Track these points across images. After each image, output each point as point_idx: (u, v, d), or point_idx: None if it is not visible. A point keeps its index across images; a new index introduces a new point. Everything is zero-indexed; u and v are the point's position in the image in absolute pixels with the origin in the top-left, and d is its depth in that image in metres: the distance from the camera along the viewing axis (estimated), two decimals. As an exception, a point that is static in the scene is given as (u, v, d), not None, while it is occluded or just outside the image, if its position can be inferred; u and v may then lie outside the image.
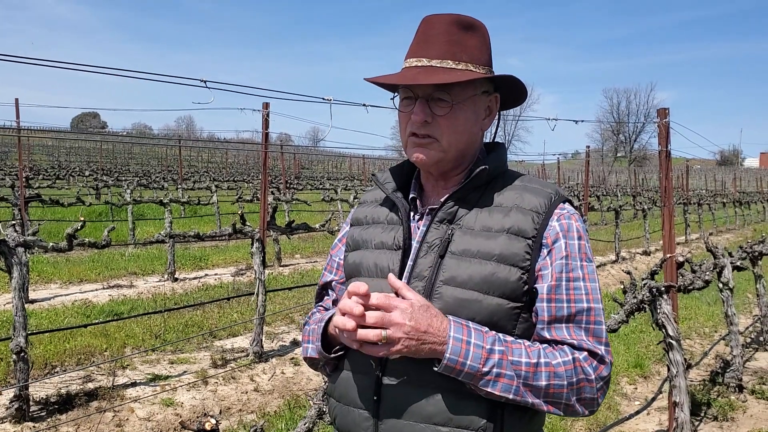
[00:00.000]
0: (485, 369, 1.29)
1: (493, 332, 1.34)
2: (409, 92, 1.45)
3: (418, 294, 1.35)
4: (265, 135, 6.06)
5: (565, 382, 1.32)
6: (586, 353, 1.36)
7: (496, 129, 1.60)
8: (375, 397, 1.40)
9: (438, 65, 1.41)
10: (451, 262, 1.39)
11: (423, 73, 1.40)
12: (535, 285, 1.39)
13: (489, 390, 1.30)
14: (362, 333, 1.29)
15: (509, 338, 1.36)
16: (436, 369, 1.31)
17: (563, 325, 1.37)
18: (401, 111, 1.48)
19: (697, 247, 16.19)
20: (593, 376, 1.34)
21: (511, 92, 1.54)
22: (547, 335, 1.38)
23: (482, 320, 1.35)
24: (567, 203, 1.47)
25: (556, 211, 1.43)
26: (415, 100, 1.44)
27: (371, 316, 1.30)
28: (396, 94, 1.52)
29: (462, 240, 1.41)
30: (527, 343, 1.36)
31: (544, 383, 1.31)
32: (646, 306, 3.95)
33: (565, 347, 1.36)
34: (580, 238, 1.42)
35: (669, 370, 3.98)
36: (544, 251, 1.40)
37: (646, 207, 16.43)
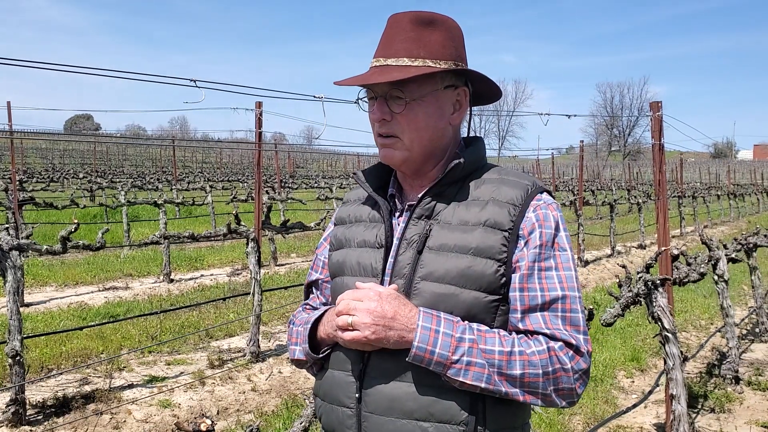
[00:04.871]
0: (455, 357, 1.30)
1: (465, 322, 1.35)
2: (371, 92, 1.46)
3: (389, 288, 1.38)
4: (259, 134, 6.05)
5: (541, 371, 1.32)
6: (561, 343, 1.35)
7: (470, 123, 1.59)
8: (357, 395, 1.41)
9: (394, 63, 1.41)
10: (428, 257, 1.40)
11: (378, 72, 1.41)
12: (511, 276, 1.39)
13: (460, 379, 1.30)
14: (336, 320, 1.37)
15: (483, 327, 1.36)
16: (407, 359, 1.32)
17: (538, 314, 1.37)
18: (366, 111, 1.49)
19: (692, 239, 16.24)
20: (569, 365, 1.33)
21: (483, 86, 1.53)
22: (521, 326, 1.37)
23: (460, 314, 1.36)
24: (545, 194, 1.47)
25: (532, 202, 1.43)
26: (376, 99, 1.45)
27: (341, 304, 1.36)
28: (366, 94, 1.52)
29: (439, 235, 1.41)
30: (502, 332, 1.36)
31: (518, 372, 1.31)
32: (641, 299, 3.95)
33: (540, 337, 1.35)
34: (556, 228, 1.42)
35: (665, 363, 3.99)
36: (521, 243, 1.39)
37: (640, 201, 16.47)
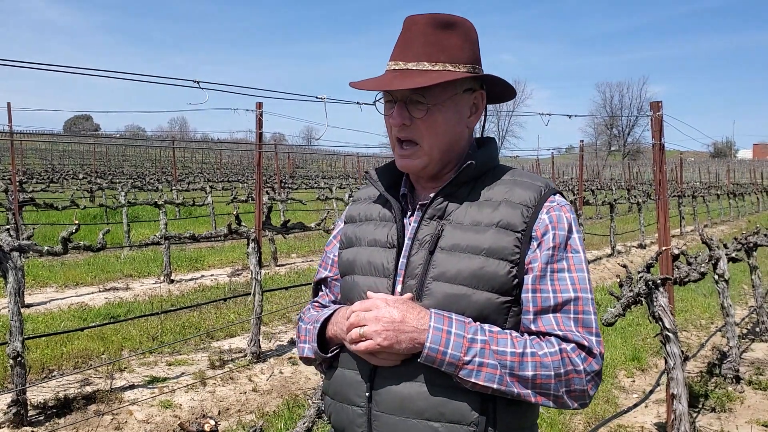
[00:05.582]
0: (467, 358, 1.30)
1: (477, 323, 1.35)
2: (389, 96, 1.45)
3: (396, 297, 1.39)
4: (259, 135, 6.05)
5: (553, 373, 1.31)
6: (573, 344, 1.35)
7: (484, 124, 1.59)
8: (368, 394, 1.41)
9: (414, 68, 1.41)
10: (440, 257, 1.40)
11: (398, 76, 1.40)
12: (524, 277, 1.39)
13: (472, 380, 1.30)
14: (348, 335, 1.37)
15: (495, 329, 1.35)
16: (420, 360, 1.32)
17: (550, 315, 1.36)
18: (383, 114, 1.49)
19: (692, 239, 16.24)
20: (581, 367, 1.33)
21: (498, 87, 1.53)
22: (533, 327, 1.37)
23: (472, 315, 1.36)
24: (558, 195, 1.47)
25: (546, 203, 1.42)
26: (394, 103, 1.44)
27: (352, 317, 1.37)
28: (381, 95, 1.51)
29: (452, 235, 1.41)
30: (514, 333, 1.36)
31: (530, 373, 1.31)
32: (642, 299, 3.95)
33: (552, 339, 1.35)
34: (569, 230, 1.41)
35: (666, 362, 3.99)
36: (534, 244, 1.39)
37: (640, 200, 16.48)
